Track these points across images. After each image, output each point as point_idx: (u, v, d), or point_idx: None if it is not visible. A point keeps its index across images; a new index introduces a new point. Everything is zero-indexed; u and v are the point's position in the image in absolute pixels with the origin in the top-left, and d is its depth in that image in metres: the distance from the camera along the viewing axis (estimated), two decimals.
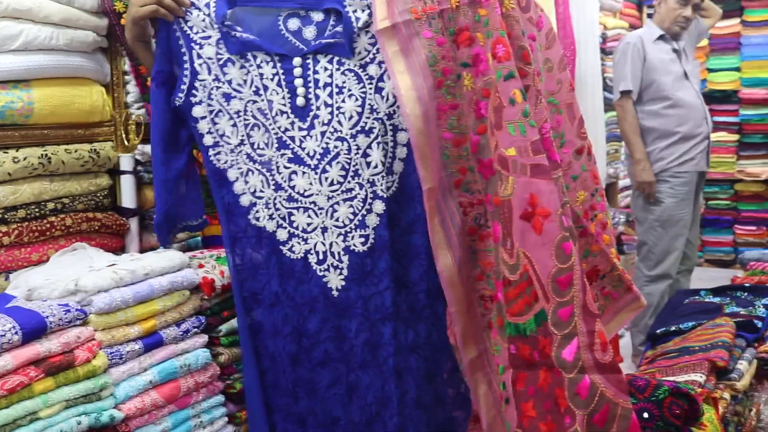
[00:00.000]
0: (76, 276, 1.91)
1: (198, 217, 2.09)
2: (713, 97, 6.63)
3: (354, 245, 1.87)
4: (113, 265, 1.99)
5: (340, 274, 1.89)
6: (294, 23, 1.85)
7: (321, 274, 1.90)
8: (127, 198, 2.37)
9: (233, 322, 2.18)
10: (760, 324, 3.22)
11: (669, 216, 4.62)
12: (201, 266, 2.18)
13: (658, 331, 3.23)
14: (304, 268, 1.91)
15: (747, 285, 3.90)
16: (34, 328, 1.74)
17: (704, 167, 4.78)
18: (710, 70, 6.81)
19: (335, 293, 1.89)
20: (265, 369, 1.99)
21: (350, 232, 1.87)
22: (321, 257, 1.89)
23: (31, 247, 2.11)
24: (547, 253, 1.66)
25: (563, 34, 4.80)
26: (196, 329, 2.10)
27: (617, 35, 5.67)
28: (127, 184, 2.37)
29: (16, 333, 1.70)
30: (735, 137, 6.82)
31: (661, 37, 4.68)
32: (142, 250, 2.39)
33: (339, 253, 1.88)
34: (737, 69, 6.76)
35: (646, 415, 2.27)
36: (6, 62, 2.05)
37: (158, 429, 1.95)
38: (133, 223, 2.39)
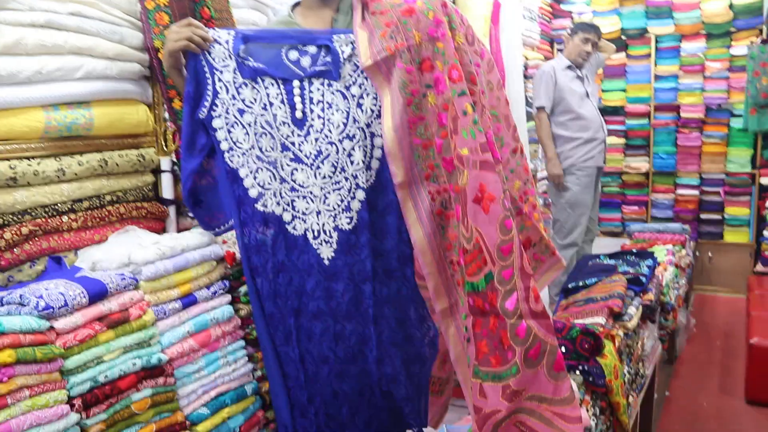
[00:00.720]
0: (129, 252, 1.89)
1: (223, 223, 2.07)
2: (607, 111, 6.70)
3: (341, 224, 1.87)
4: (157, 243, 1.97)
5: (331, 246, 1.88)
6: (294, 54, 1.84)
7: (316, 246, 1.89)
8: (167, 191, 2.36)
9: None
10: (644, 279, 3.27)
11: (576, 200, 4.67)
12: (224, 242, 2.16)
13: (569, 285, 3.26)
14: (304, 242, 1.90)
15: (634, 251, 3.95)
16: (98, 292, 1.73)
17: (601, 163, 4.83)
18: (605, 91, 6.88)
19: (327, 262, 1.89)
20: (270, 321, 1.97)
21: (338, 214, 1.87)
22: (316, 234, 1.88)
23: (94, 230, 2.08)
24: (493, 228, 1.67)
25: (496, 64, 4.80)
26: (221, 291, 2.08)
27: (535, 64, 5.68)
28: (166, 180, 2.35)
29: (84, 296, 1.69)
30: (622, 140, 6.90)
31: (569, 67, 4.71)
32: (179, 231, 2.37)
33: (330, 230, 1.87)
34: (624, 90, 6.84)
35: (563, 349, 2.30)
36: (72, 88, 2.02)
37: (194, 368, 1.94)
38: (172, 211, 2.37)
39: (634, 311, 2.90)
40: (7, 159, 1.85)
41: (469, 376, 1.73)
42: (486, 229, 1.68)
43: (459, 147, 1.72)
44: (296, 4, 2.05)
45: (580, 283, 3.22)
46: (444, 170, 1.77)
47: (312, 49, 1.83)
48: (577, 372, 2.26)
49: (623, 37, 6.67)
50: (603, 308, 2.73)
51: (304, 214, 1.88)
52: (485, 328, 1.69)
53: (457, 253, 1.76)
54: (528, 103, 5.26)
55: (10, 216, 1.85)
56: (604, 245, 5.28)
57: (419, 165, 1.77)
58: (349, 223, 1.87)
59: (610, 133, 6.35)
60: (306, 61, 1.83)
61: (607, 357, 2.35)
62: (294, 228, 1.90)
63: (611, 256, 3.83)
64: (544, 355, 1.66)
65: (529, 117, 5.28)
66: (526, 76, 5.43)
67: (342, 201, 1.86)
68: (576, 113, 4.67)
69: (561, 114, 4.73)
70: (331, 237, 1.88)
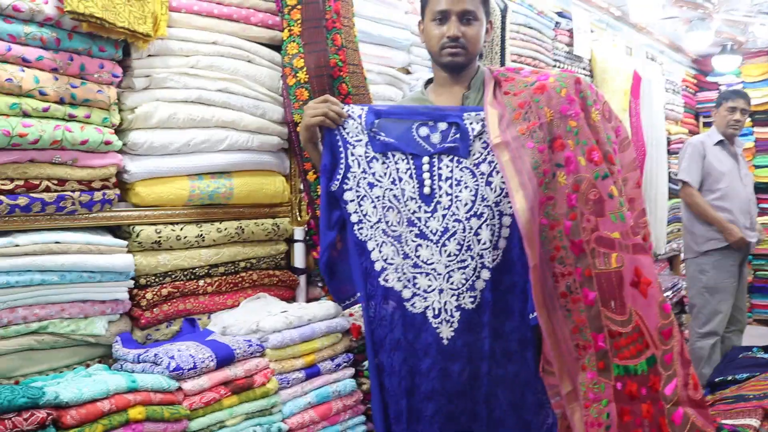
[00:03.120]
0: (258, 319, 1.92)
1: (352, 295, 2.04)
2: (759, 188, 6.17)
3: (464, 304, 1.81)
4: (285, 311, 1.99)
5: (451, 326, 1.82)
6: (424, 131, 1.83)
7: (435, 326, 1.83)
8: (298, 260, 2.39)
9: None
10: None
11: (714, 284, 4.24)
12: (351, 315, 2.15)
13: (716, 379, 2.98)
14: (422, 320, 1.84)
15: None
16: (225, 357, 1.76)
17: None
18: (757, 167, 6.41)
19: (445, 342, 1.82)
20: (386, 399, 1.91)
21: (462, 293, 1.81)
22: (436, 312, 1.83)
23: (227, 295, 2.14)
24: (653, 312, 1.64)
25: (635, 138, 4.62)
26: (345, 363, 2.07)
27: (678, 138, 5.43)
28: (298, 249, 2.39)
29: (212, 360, 1.72)
30: None
31: (720, 142, 4.35)
32: (308, 300, 2.39)
33: (451, 309, 1.82)
34: None
35: None
36: (216, 159, 2.12)
37: None
38: (302, 280, 2.40)
39: None
40: (154, 224, 1.96)
41: None
42: (646, 312, 1.63)
43: (606, 230, 1.67)
44: (429, 81, 2.07)
45: (729, 378, 2.94)
46: (571, 252, 1.70)
47: (442, 125, 1.83)
48: None
49: None
50: (757, 408, 2.46)
51: (425, 291, 1.84)
52: (638, 417, 1.63)
53: (585, 338, 1.69)
54: (671, 180, 5.00)
55: (153, 277, 1.95)
56: (758, 335, 4.80)
57: (545, 246, 1.71)
58: (472, 303, 1.81)
59: (764, 212, 5.86)
60: (436, 138, 1.83)
61: None
62: (413, 305, 1.85)
63: (766, 349, 3.47)
64: None
65: (671, 194, 5.01)
66: (669, 152, 5.20)
67: (467, 280, 1.81)
68: (722, 192, 4.29)
69: (705, 193, 4.37)
70: (452, 316, 1.82)
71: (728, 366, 3.17)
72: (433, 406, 1.85)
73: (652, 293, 1.63)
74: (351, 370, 2.07)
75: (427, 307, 1.82)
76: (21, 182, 1.66)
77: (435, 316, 1.82)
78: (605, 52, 4.44)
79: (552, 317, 1.71)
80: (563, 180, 1.70)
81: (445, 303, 1.81)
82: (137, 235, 1.90)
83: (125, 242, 1.87)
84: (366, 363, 2.11)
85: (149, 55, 1.97)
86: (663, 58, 5.69)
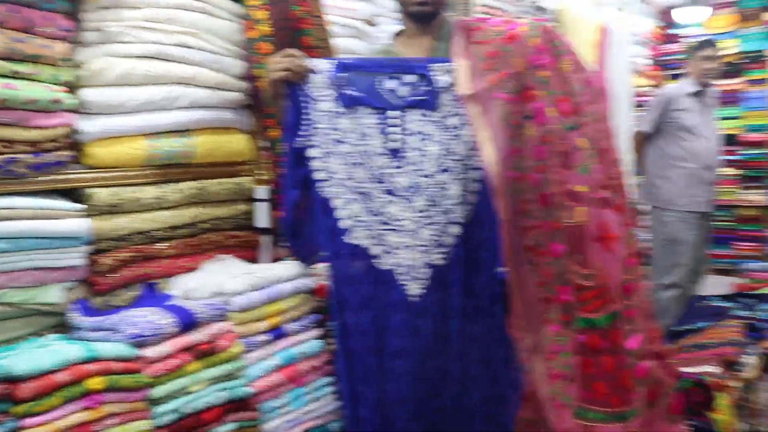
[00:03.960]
0: (221, 281, 1.89)
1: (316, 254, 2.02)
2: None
3: (434, 260, 1.80)
4: (249, 273, 1.96)
5: (421, 283, 1.81)
6: (391, 83, 1.79)
7: (403, 283, 1.82)
8: (262, 220, 2.33)
9: None
10: (762, 325, 3.00)
11: (675, 237, 4.29)
12: (317, 275, 2.12)
13: (676, 329, 3.04)
14: (391, 277, 1.84)
15: (750, 293, 3.65)
16: (187, 322, 1.74)
17: (708, 208, 4.42)
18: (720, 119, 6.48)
19: (415, 299, 1.82)
20: (353, 360, 1.90)
21: (431, 249, 1.79)
22: (405, 270, 1.81)
23: (188, 258, 2.09)
24: (617, 267, 1.62)
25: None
26: (311, 324, 2.05)
27: (644, 91, 5.44)
28: (262, 209, 2.33)
29: (174, 326, 1.70)
30: (736, 172, 6.44)
31: (695, 93, 4.30)
32: (273, 261, 2.35)
33: (421, 267, 1.80)
34: (739, 117, 6.42)
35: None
36: (174, 117, 2.05)
37: (280, 402, 1.91)
38: (266, 240, 2.35)
39: (751, 361, 2.66)
40: (111, 186, 1.89)
41: (568, 417, 1.66)
42: (609, 267, 1.62)
43: (575, 183, 1.64)
44: (398, 33, 2.01)
45: (689, 327, 2.99)
46: (539, 206, 1.68)
47: (410, 78, 1.78)
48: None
49: (741, 61, 6.29)
50: (715, 356, 2.52)
51: (394, 248, 1.82)
52: (599, 368, 1.63)
53: (551, 291, 1.69)
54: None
55: (110, 242, 1.89)
56: (712, 284, 4.90)
57: (514, 199, 1.69)
58: (442, 259, 1.80)
59: (723, 164, 5.95)
60: (403, 91, 1.79)
61: (720, 412, 2.17)
62: (381, 263, 1.84)
63: (724, 297, 3.55)
64: (663, 397, 1.61)
65: None
66: (635, 104, 5.22)
67: (436, 237, 1.79)
68: (688, 145, 4.29)
69: (671, 145, 4.35)
70: (421, 273, 1.81)
71: (687, 315, 3.23)
72: (403, 364, 1.85)
73: (616, 248, 1.62)
74: (317, 331, 2.05)
75: (396, 264, 1.80)
76: None
77: (404, 273, 1.80)
78: (572, 3, 4.39)
79: (518, 270, 1.70)
80: (532, 132, 1.67)
81: (415, 260, 1.79)
82: (93, 199, 1.83)
83: (80, 206, 1.79)
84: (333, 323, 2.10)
85: (100, 8, 1.86)
86: (629, 9, 5.65)
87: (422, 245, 1.80)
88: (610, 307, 1.62)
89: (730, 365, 2.54)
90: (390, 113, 1.79)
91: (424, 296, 1.82)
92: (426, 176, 1.79)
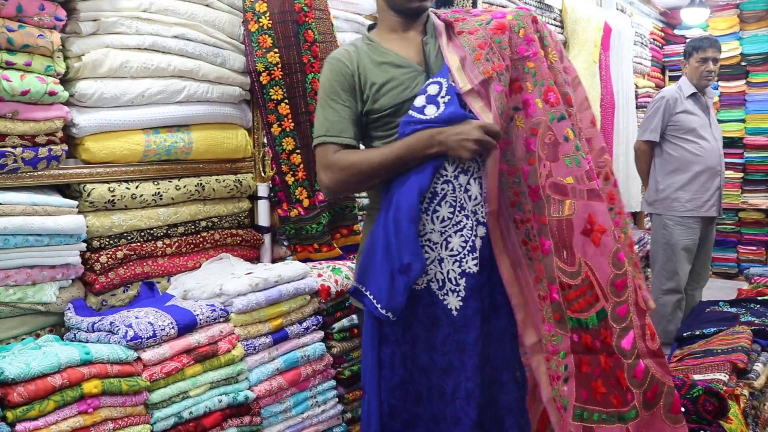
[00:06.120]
0: (221, 282, 1.84)
1: None
2: (723, 143, 6.23)
3: (468, 268, 1.66)
4: (250, 273, 1.90)
5: (458, 295, 1.66)
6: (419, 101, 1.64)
7: (441, 297, 1.67)
8: (263, 218, 2.30)
9: (344, 322, 2.09)
10: None
11: (677, 242, 4.24)
12: (320, 275, 2.07)
13: (684, 334, 2.99)
14: (428, 295, 1.67)
15: (759, 298, 3.59)
16: (187, 323, 1.69)
17: (714, 213, 4.37)
18: (721, 121, 6.41)
19: (455, 312, 1.66)
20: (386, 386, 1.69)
21: (464, 257, 1.65)
22: (440, 284, 1.67)
23: (188, 256, 2.05)
24: (605, 262, 1.57)
25: (605, 91, 4.57)
26: (314, 326, 1.99)
27: (646, 92, 5.41)
28: (262, 207, 2.30)
29: (173, 327, 1.65)
30: (740, 175, 6.45)
31: (693, 95, 4.27)
32: (273, 260, 2.31)
33: (455, 278, 1.65)
34: (743, 120, 6.41)
35: (683, 409, 2.08)
36: (172, 111, 2.00)
37: (282, 407, 1.86)
38: (267, 238, 2.31)
39: (761, 368, 2.61)
40: (107, 182, 1.84)
41: (567, 420, 1.63)
42: (597, 262, 1.57)
43: (560, 176, 1.61)
44: (372, 27, 1.90)
45: (697, 332, 2.94)
46: (529, 198, 1.65)
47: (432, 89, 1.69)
48: None
49: (743, 63, 6.27)
50: (725, 363, 2.47)
51: (428, 264, 1.65)
52: (596, 368, 1.60)
53: (545, 289, 1.66)
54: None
55: (107, 239, 1.84)
56: (716, 288, 4.87)
57: (505, 192, 1.66)
58: (476, 266, 1.64)
59: (727, 167, 5.92)
60: (430, 111, 1.68)
61: (732, 421, 2.12)
62: (417, 282, 1.66)
63: (732, 303, 3.50)
64: (661, 396, 1.56)
65: None
66: (637, 106, 5.18)
67: (466, 242, 1.68)
68: (693, 147, 4.23)
69: (676, 148, 4.28)
70: (457, 285, 1.66)
71: (695, 321, 3.19)
72: (452, 381, 1.68)
73: (605, 242, 1.58)
74: (320, 334, 1.99)
75: (429, 281, 1.67)
76: None
77: (439, 288, 1.68)
78: (576, 2, 4.35)
79: (516, 265, 1.67)
80: (521, 124, 1.64)
81: (448, 272, 1.67)
82: (88, 194, 1.78)
83: (75, 202, 1.74)
84: (337, 325, 2.05)
85: None
86: (632, 9, 5.62)
87: (453, 255, 1.64)
88: (598, 306, 1.59)
89: (740, 373, 2.50)
90: None
91: (462, 309, 1.65)
92: (446, 182, 1.63)
